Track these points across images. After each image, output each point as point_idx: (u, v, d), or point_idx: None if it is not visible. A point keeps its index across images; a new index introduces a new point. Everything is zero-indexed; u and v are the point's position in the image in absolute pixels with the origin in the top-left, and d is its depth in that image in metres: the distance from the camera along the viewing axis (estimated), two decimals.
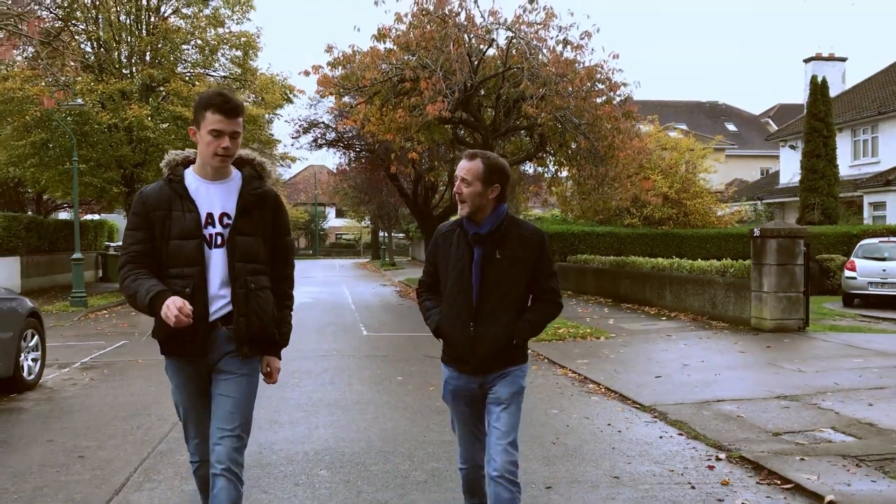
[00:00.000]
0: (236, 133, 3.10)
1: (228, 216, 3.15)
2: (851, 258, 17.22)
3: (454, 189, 3.44)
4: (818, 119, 23.83)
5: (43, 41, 12.09)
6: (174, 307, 2.89)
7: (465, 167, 3.39)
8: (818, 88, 24.04)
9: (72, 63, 15.08)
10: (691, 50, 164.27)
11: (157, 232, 3.11)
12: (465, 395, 3.49)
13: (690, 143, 24.67)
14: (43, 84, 18.35)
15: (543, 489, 4.64)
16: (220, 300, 3.13)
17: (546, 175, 20.27)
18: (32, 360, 8.08)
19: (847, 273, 16.89)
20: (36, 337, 8.22)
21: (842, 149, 26.31)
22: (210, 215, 3.14)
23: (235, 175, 3.23)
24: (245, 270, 3.13)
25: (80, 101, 18.41)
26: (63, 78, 13.66)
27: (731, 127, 50.07)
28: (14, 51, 18.77)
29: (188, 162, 3.24)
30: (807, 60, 34.05)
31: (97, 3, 21.98)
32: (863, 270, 16.45)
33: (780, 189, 32.74)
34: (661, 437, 5.91)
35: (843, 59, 34.80)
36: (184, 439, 3.44)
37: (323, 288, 24.77)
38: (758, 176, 43.49)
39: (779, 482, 4.77)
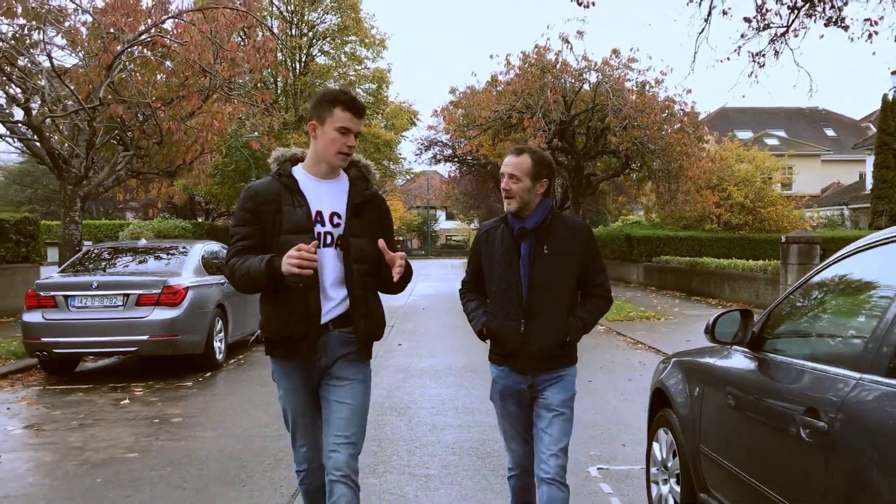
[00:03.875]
0: (358, 133, 3.13)
1: (339, 216, 3.11)
2: None
3: (502, 185, 3.39)
4: (888, 133, 26.25)
5: (265, 109, 16.80)
6: (294, 253, 2.84)
7: (514, 163, 3.34)
8: (888, 105, 26.44)
9: (274, 114, 19.76)
10: (804, 54, 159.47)
11: (268, 227, 3.05)
12: (514, 394, 3.42)
13: (766, 156, 27.50)
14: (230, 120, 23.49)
15: (586, 383, 8.57)
16: (330, 301, 3.07)
17: (632, 188, 23.93)
18: None
19: None
20: None
21: None
22: (319, 213, 3.09)
23: (343, 175, 3.20)
24: (360, 272, 3.09)
25: (256, 133, 23.51)
26: (260, 125, 18.45)
27: (830, 132, 51.30)
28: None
29: (296, 159, 3.21)
30: (894, 72, 35.75)
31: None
32: None
33: (865, 195, 34.69)
34: None
35: None
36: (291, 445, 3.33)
37: (441, 283, 29.13)
38: (857, 179, 44.90)
39: None
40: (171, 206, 33.40)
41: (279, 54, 28.33)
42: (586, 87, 20.23)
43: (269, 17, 26.25)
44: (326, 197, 3.11)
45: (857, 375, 2.41)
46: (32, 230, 16.45)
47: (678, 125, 20.13)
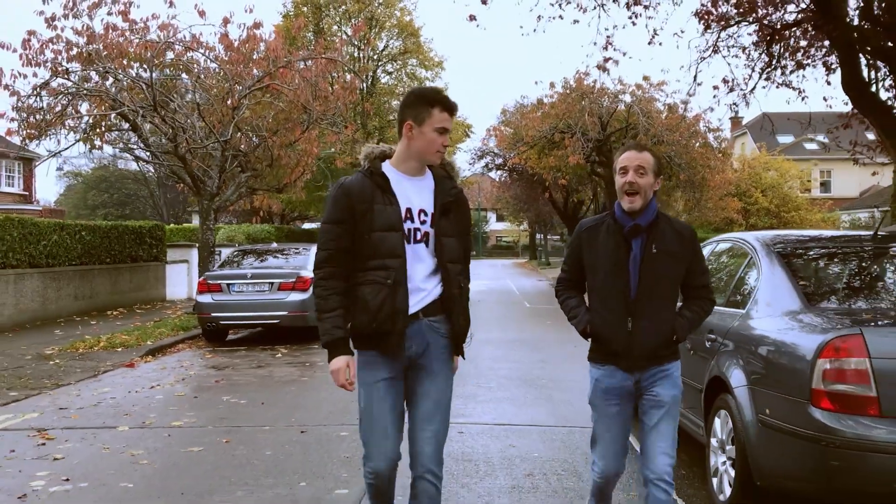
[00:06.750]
0: (450, 130, 3.27)
1: (425, 213, 3.22)
2: None
3: (625, 179, 3.31)
4: None
5: (353, 138, 20.23)
6: (343, 381, 3.13)
7: (640, 157, 3.33)
8: None
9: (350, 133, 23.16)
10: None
11: (359, 224, 3.13)
12: (619, 393, 3.38)
13: (791, 164, 30.01)
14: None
15: None
16: (420, 292, 3.19)
17: (663, 196, 26.77)
18: None
19: None
20: None
21: None
22: (409, 210, 3.19)
23: (427, 172, 3.30)
24: (455, 271, 3.23)
25: (332, 150, 27.03)
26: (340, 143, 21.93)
27: (871, 136, 52.72)
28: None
29: (384, 156, 3.30)
30: None
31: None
32: None
33: None
34: None
35: None
36: (363, 447, 3.27)
37: (492, 281, 32.29)
38: None
39: None
40: (270, 214, 37.40)
41: (347, 76, 31.97)
42: (621, 106, 23.21)
43: (340, 46, 29.80)
44: (415, 194, 3.22)
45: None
46: (160, 235, 20.19)
47: (702, 140, 22.99)
